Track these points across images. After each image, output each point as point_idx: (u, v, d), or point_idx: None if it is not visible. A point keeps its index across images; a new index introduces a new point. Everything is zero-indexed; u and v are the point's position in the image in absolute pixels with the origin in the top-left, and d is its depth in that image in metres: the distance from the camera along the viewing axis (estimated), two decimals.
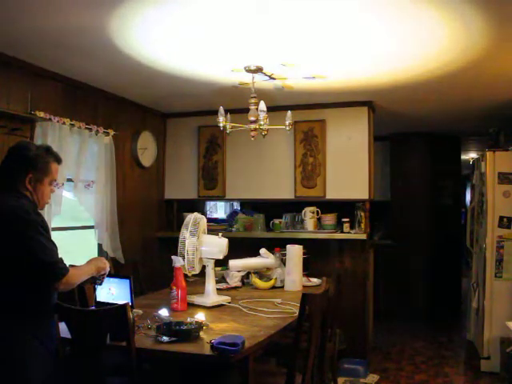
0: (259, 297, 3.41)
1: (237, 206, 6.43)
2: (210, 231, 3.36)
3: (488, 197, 4.54)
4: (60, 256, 2.16)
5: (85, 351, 2.23)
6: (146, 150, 5.10)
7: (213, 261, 3.21)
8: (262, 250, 3.88)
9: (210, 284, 3.18)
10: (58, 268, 2.10)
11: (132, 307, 2.66)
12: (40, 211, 2.25)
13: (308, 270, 4.00)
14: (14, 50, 3.34)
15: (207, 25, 2.91)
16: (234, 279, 3.78)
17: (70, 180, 4.00)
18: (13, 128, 3.37)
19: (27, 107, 3.58)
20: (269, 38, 3.11)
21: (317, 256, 4.23)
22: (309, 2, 2.57)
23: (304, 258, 3.81)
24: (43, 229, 2.12)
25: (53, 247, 2.13)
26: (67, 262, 2.22)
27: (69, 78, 3.99)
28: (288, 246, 3.80)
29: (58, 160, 2.33)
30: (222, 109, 3.70)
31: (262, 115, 3.62)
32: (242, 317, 2.89)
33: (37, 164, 2.21)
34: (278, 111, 4.16)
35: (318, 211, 4.91)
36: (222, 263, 3.64)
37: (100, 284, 2.47)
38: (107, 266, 2.45)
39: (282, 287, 3.74)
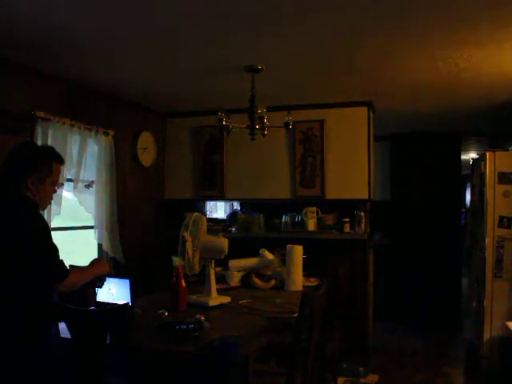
0: (259, 297, 3.41)
1: (237, 206, 6.42)
2: (210, 231, 3.36)
3: (488, 197, 4.54)
4: (60, 258, 2.16)
5: (85, 351, 2.23)
6: (146, 150, 5.10)
7: (213, 261, 3.20)
8: (262, 250, 3.88)
9: (210, 284, 3.18)
10: (59, 270, 2.10)
11: (132, 307, 2.66)
12: (40, 212, 2.25)
13: (308, 269, 3.99)
14: (14, 50, 3.35)
15: (207, 24, 2.91)
16: (233, 279, 3.78)
17: (70, 180, 4.01)
18: (13, 128, 3.37)
19: (27, 107, 3.59)
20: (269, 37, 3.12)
21: (317, 256, 4.22)
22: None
23: (304, 258, 3.80)
24: (44, 230, 2.12)
25: (54, 249, 2.13)
26: (67, 262, 2.22)
27: (69, 78, 3.99)
28: (288, 246, 3.79)
29: (61, 161, 2.33)
30: (222, 109, 3.70)
31: (262, 115, 3.62)
32: (242, 317, 2.88)
33: (39, 165, 2.20)
34: (278, 111, 4.16)
35: (318, 211, 4.91)
36: (222, 263, 3.64)
37: (100, 287, 2.49)
38: (108, 269, 2.45)
39: (282, 287, 3.73)
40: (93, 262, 2.45)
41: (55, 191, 2.34)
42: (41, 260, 2.06)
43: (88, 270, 2.37)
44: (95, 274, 2.38)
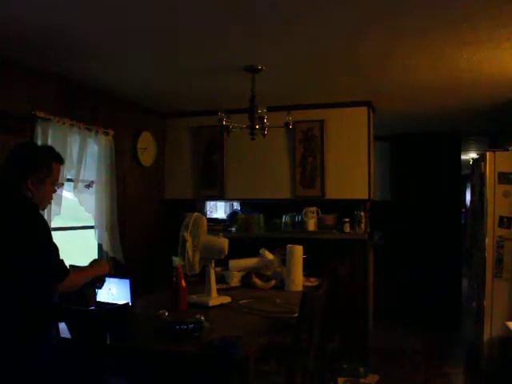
0: (259, 297, 3.41)
1: (237, 206, 6.42)
2: (210, 231, 3.36)
3: (488, 197, 4.54)
4: (61, 258, 2.16)
5: (85, 351, 2.23)
6: (146, 149, 5.10)
7: (213, 261, 3.20)
8: (262, 250, 3.88)
9: (210, 284, 3.18)
10: (59, 270, 2.10)
11: (132, 307, 2.66)
12: (40, 212, 2.25)
13: (308, 270, 4.00)
14: (14, 50, 3.34)
15: (207, 24, 2.91)
16: (233, 279, 3.78)
17: (70, 180, 4.01)
18: (13, 128, 3.37)
19: (27, 107, 3.58)
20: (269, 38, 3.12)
21: (317, 256, 4.22)
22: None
23: (304, 258, 3.80)
24: (44, 230, 2.13)
25: (54, 249, 2.13)
26: (67, 262, 2.22)
27: (69, 78, 3.99)
28: (288, 246, 3.79)
29: (61, 160, 2.33)
30: (222, 109, 3.71)
31: (262, 115, 3.62)
32: (242, 317, 2.88)
33: (39, 165, 2.20)
34: (278, 111, 4.16)
35: (318, 211, 4.91)
36: (222, 263, 3.64)
37: (100, 287, 2.49)
38: (108, 269, 2.45)
39: (282, 287, 3.73)
40: (93, 263, 2.45)
41: (55, 191, 2.34)
42: (41, 260, 2.06)
43: (88, 270, 2.37)
44: (95, 274, 2.39)
